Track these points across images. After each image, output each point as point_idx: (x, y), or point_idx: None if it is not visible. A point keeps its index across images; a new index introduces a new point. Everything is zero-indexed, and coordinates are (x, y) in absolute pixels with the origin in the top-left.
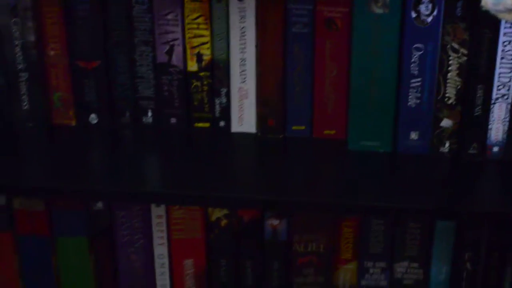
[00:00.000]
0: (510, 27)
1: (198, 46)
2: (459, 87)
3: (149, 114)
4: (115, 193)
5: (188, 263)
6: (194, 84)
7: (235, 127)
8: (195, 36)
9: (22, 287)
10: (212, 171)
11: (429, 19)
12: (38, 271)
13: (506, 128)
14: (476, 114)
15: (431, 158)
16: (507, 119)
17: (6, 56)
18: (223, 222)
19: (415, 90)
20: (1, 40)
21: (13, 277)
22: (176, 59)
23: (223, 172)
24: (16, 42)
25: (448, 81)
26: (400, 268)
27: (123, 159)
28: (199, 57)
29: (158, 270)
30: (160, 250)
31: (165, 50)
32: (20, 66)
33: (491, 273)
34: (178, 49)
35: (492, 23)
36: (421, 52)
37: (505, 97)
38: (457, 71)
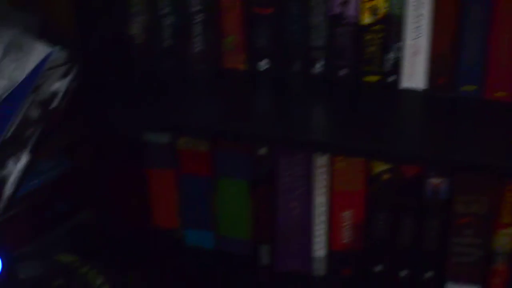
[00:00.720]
0: None
1: None
2: None
3: (319, 64)
4: (279, 138)
5: (347, 214)
6: (367, 37)
7: (404, 83)
8: None
9: (180, 223)
10: (378, 125)
11: None
12: (196, 210)
13: None
14: None
15: None
16: None
17: None
18: (385, 176)
19: None
20: None
21: (172, 214)
22: (350, 11)
23: (389, 126)
24: None
25: None
26: None
27: (290, 106)
28: (374, 11)
29: (316, 219)
30: (320, 200)
31: (340, 2)
32: (195, 8)
33: None
34: (352, 2)
35: None
36: None
37: None
38: None
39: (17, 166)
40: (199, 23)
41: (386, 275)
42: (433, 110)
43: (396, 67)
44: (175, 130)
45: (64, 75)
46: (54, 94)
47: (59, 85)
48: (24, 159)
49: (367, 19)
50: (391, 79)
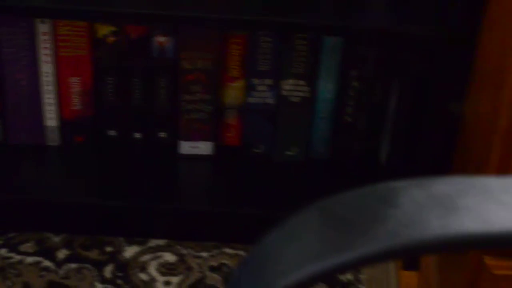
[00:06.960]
0: None
1: None
2: None
3: None
4: None
5: (75, 81)
6: None
7: None
8: None
9: None
10: None
11: None
12: None
13: None
14: None
15: None
16: None
17: None
18: (110, 39)
19: None
20: None
21: None
22: None
23: None
24: None
25: None
26: (287, 85)
27: None
28: None
29: (44, 88)
30: (46, 68)
31: None
32: None
33: (377, 91)
34: None
35: None
36: None
37: None
38: None
39: None
40: None
41: (120, 139)
42: None
43: None
44: None
45: None
46: None
47: None
48: None
49: None
50: None
